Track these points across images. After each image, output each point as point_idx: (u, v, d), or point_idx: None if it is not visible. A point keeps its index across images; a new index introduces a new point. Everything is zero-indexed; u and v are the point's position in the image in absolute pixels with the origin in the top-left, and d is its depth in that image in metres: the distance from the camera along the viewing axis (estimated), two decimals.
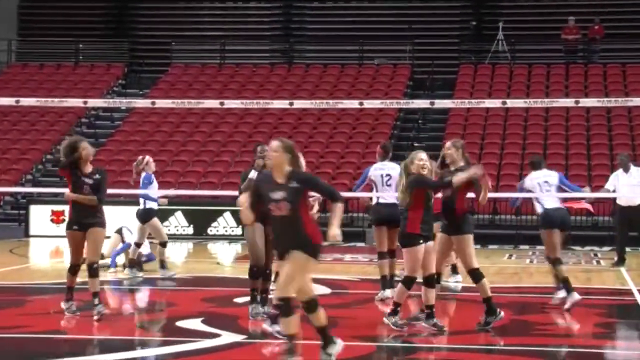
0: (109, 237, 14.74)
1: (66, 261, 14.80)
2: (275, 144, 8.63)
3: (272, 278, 11.51)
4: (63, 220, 23.82)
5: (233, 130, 29.56)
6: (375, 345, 10.36)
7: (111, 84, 33.12)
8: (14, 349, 9.84)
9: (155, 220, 16.09)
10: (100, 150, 27.05)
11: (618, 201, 18.95)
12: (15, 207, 26.99)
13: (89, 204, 11.33)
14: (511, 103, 20.60)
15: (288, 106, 22.83)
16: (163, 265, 16.06)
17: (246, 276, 11.64)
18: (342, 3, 36.14)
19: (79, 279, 11.64)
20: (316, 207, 12.43)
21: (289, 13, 36.46)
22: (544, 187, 13.01)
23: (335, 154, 27.86)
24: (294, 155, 8.61)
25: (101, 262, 13.95)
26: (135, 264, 16.06)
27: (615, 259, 18.75)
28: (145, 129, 29.97)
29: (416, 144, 26.62)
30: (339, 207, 8.62)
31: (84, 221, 11.32)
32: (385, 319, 10.87)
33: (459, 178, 10.68)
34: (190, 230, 24.93)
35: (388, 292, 12.97)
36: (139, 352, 9.95)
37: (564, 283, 12.68)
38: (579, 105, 21.06)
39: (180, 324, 11.17)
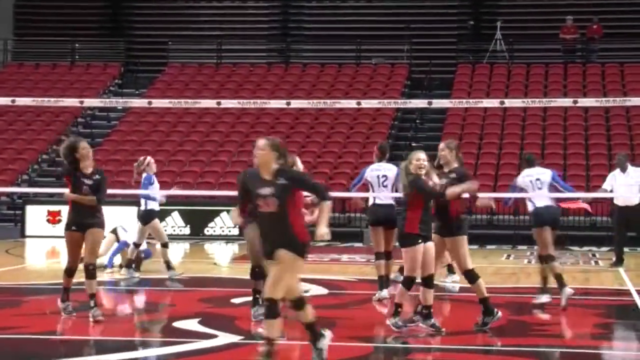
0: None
1: (62, 262, 14.76)
2: (262, 142, 8.71)
3: None
4: (59, 221, 23.78)
5: (230, 130, 29.50)
6: (372, 346, 10.35)
7: (107, 83, 33.05)
8: (9, 350, 9.78)
9: (156, 221, 16.05)
10: (96, 150, 26.94)
11: (615, 201, 18.91)
12: (11, 208, 26.90)
13: (88, 204, 11.32)
14: (509, 103, 20.53)
15: (285, 106, 22.74)
16: (169, 266, 15.95)
17: (243, 276, 11.60)
18: (340, 2, 36.11)
19: (75, 280, 11.60)
20: (316, 213, 12.36)
21: (286, 13, 36.44)
22: (535, 185, 12.99)
23: (332, 154, 27.80)
24: (281, 153, 8.64)
25: (97, 261, 13.87)
26: (132, 264, 16.00)
27: (614, 259, 18.71)
28: (141, 129, 29.90)
29: (414, 144, 26.59)
30: (327, 206, 8.67)
31: (83, 221, 11.30)
32: (387, 321, 10.86)
33: (452, 191, 10.65)
34: (187, 230, 24.86)
35: (385, 293, 12.97)
36: (135, 353, 9.90)
37: (557, 279, 12.69)
38: (577, 105, 20.99)
39: (177, 324, 11.13)
